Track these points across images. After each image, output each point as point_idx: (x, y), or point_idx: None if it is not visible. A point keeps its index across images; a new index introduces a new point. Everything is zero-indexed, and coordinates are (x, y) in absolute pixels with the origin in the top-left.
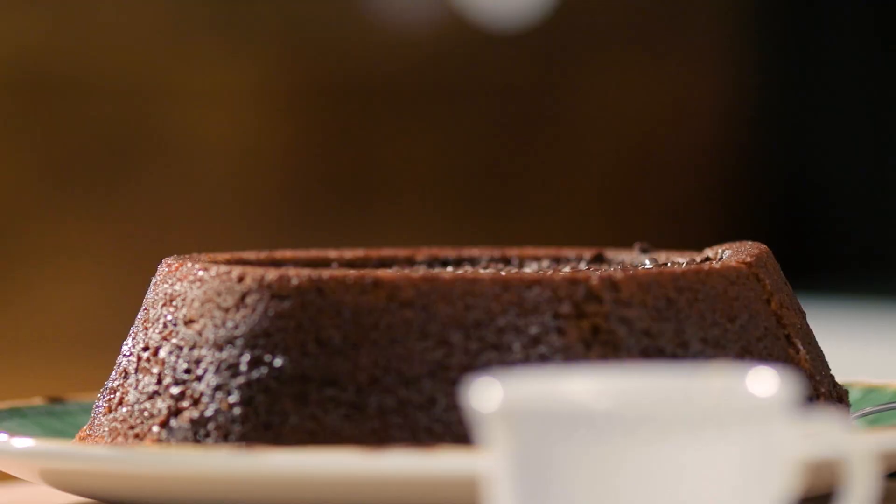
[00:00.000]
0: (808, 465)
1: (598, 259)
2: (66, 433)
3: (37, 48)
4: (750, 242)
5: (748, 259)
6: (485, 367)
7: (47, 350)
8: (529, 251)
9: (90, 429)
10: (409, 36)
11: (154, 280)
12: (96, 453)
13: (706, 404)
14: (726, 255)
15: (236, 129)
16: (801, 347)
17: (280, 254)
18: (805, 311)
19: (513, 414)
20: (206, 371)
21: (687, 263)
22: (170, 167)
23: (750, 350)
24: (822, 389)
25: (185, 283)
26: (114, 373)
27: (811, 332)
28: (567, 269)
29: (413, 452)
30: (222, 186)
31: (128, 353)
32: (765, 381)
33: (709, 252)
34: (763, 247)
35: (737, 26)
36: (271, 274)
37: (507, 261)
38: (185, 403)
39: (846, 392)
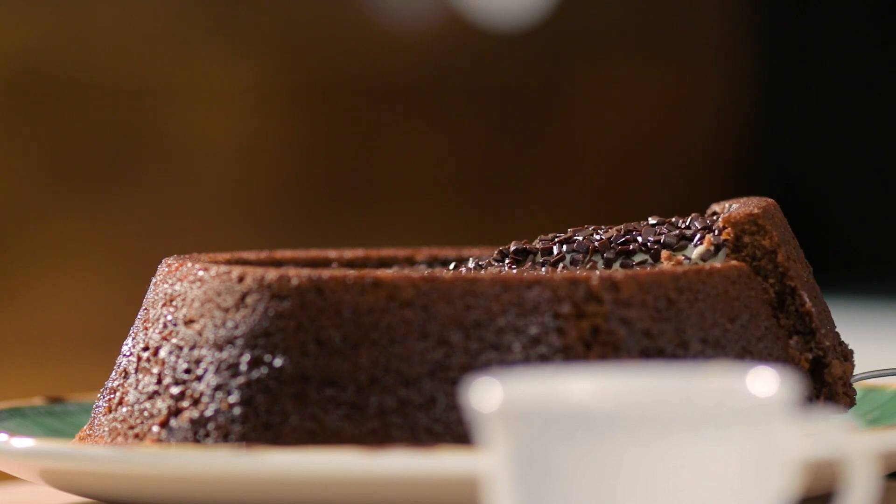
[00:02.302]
0: (808, 465)
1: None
2: (66, 433)
3: (37, 48)
4: (757, 197)
5: (755, 210)
6: (485, 367)
7: (47, 350)
8: None
9: (90, 429)
10: (409, 36)
11: (154, 280)
12: (96, 453)
13: (706, 404)
14: (733, 208)
15: (236, 129)
16: (806, 300)
17: (280, 254)
18: None
19: (513, 414)
20: (206, 371)
21: (692, 220)
22: (170, 167)
23: (750, 350)
24: (827, 343)
25: (185, 283)
26: (114, 373)
27: (817, 286)
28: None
29: (413, 452)
30: (222, 186)
31: (128, 353)
32: (765, 381)
33: (716, 207)
34: (770, 200)
35: (737, 26)
36: (271, 274)
37: None
38: (185, 403)
39: (851, 352)
